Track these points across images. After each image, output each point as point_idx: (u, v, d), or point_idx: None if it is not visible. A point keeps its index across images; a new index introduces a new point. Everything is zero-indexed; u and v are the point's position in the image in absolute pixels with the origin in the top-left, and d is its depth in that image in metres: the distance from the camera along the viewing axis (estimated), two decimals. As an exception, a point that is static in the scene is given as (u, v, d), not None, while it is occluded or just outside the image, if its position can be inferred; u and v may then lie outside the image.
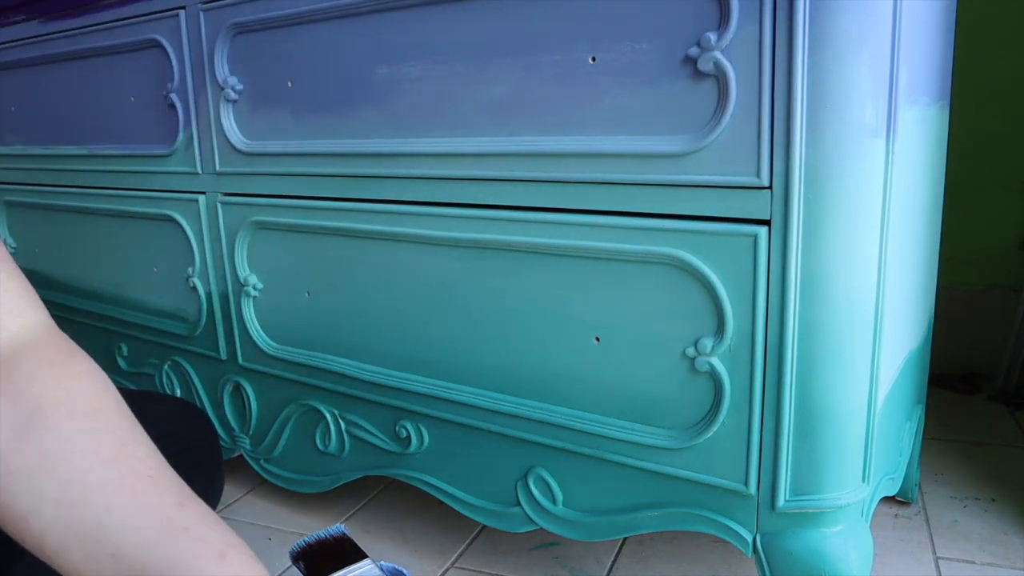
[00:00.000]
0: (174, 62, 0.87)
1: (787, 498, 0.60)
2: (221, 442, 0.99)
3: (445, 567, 0.84)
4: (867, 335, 0.58)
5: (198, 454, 0.82)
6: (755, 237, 0.56)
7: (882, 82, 0.54)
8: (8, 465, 0.37)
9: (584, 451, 0.69)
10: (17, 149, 1.13)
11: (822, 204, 0.54)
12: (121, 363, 1.09)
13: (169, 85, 0.88)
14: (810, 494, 0.60)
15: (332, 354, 0.84)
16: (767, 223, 0.56)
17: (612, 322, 0.65)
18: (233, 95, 0.83)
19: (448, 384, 0.76)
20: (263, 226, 0.86)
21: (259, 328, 0.90)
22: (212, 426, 0.87)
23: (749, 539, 0.63)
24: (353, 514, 0.96)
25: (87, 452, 0.38)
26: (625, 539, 0.87)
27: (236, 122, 0.85)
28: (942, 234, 0.85)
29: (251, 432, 0.96)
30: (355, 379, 0.83)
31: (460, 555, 0.86)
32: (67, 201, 1.07)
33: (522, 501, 0.74)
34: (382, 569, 0.65)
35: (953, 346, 1.26)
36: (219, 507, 0.97)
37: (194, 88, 0.87)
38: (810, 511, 0.60)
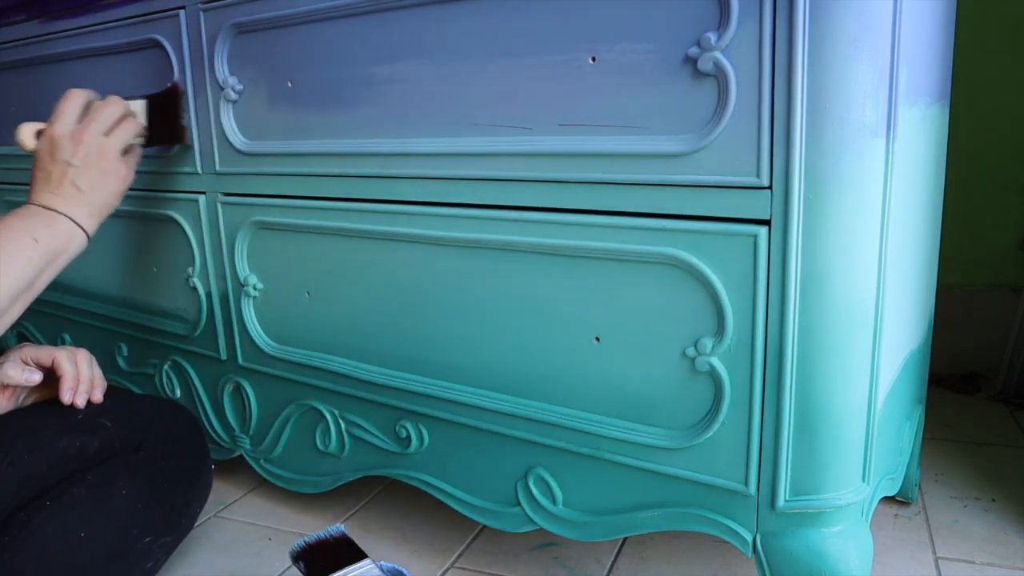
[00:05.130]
0: (174, 62, 0.87)
1: (787, 498, 0.60)
2: (221, 442, 0.99)
3: (445, 567, 0.84)
4: (867, 335, 0.58)
5: (187, 451, 0.82)
6: (755, 237, 0.56)
7: (882, 82, 0.54)
8: None
9: (584, 451, 0.69)
10: (17, 149, 1.13)
11: (822, 204, 0.54)
12: (121, 363, 1.09)
13: (169, 85, 0.88)
14: (810, 494, 0.60)
15: (332, 354, 0.84)
16: (767, 223, 0.56)
17: (612, 322, 0.65)
18: (233, 95, 0.83)
19: (448, 384, 0.76)
20: (263, 226, 0.86)
21: (259, 328, 0.90)
22: (198, 423, 0.87)
23: (749, 539, 0.63)
24: (353, 514, 0.96)
25: None
26: (625, 539, 0.87)
27: (236, 122, 0.85)
28: (942, 234, 0.85)
29: (251, 432, 0.96)
30: (355, 379, 0.83)
31: (460, 555, 0.86)
32: (67, 201, 1.07)
33: (522, 501, 0.74)
34: (382, 569, 0.65)
35: (953, 346, 1.26)
36: (219, 507, 0.97)
37: (194, 88, 0.87)
38: (810, 511, 0.60)
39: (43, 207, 0.76)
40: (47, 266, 0.74)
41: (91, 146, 0.78)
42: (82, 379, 0.78)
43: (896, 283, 0.63)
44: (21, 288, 0.71)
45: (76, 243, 0.77)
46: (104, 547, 0.69)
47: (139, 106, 0.85)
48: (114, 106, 0.80)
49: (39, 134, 0.80)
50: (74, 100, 0.80)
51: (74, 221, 0.76)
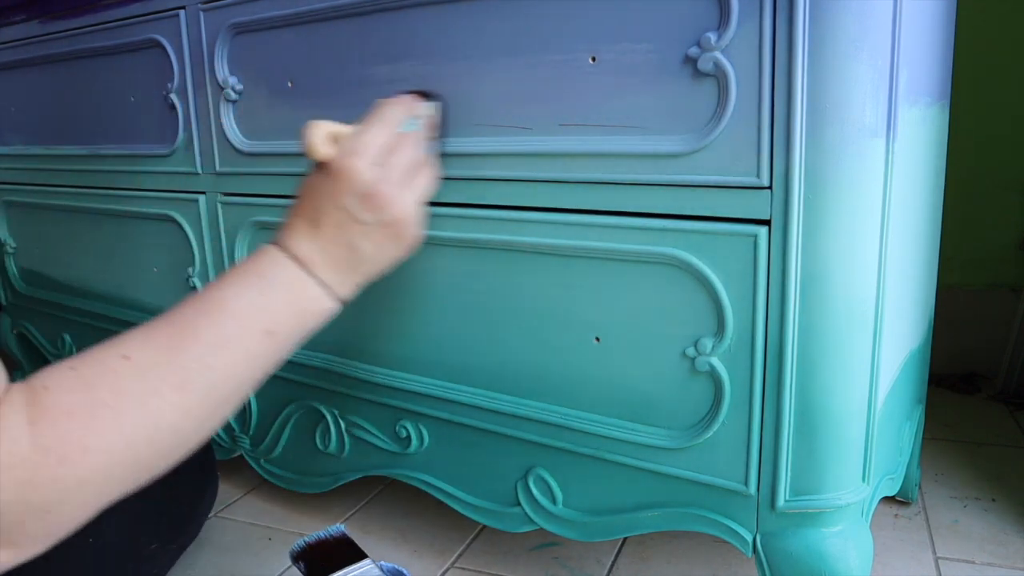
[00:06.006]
0: (174, 62, 0.87)
1: (787, 498, 0.60)
2: (221, 442, 0.99)
3: (445, 567, 0.84)
4: (867, 335, 0.58)
5: (195, 458, 0.82)
6: (755, 237, 0.56)
7: (882, 82, 0.54)
8: None
9: (584, 451, 0.69)
10: (17, 149, 1.13)
11: (822, 204, 0.54)
12: (121, 363, 1.09)
13: (169, 85, 0.88)
14: (810, 494, 0.60)
15: (332, 354, 0.84)
16: (767, 223, 0.56)
17: (612, 322, 0.65)
18: (233, 95, 0.83)
19: (448, 384, 0.76)
20: (263, 226, 0.86)
21: (259, 328, 0.90)
22: None
23: (749, 539, 0.63)
24: (353, 514, 0.96)
25: None
26: (625, 539, 0.87)
27: (236, 122, 0.85)
28: (942, 234, 0.85)
29: (251, 432, 0.96)
30: (355, 379, 0.83)
31: (460, 555, 0.86)
32: (67, 201, 1.07)
33: (522, 501, 0.74)
34: (382, 569, 0.65)
35: (953, 346, 1.26)
36: (220, 507, 0.97)
37: (194, 88, 0.87)
38: (810, 511, 0.60)
39: (298, 264, 0.56)
40: (272, 359, 0.55)
41: (388, 206, 0.58)
42: None
43: (896, 283, 0.63)
44: (236, 400, 0.53)
45: (320, 321, 0.58)
46: (111, 553, 0.69)
47: (434, 110, 0.67)
48: (417, 147, 0.62)
49: (334, 140, 0.60)
50: (385, 131, 0.60)
51: (333, 293, 0.58)
